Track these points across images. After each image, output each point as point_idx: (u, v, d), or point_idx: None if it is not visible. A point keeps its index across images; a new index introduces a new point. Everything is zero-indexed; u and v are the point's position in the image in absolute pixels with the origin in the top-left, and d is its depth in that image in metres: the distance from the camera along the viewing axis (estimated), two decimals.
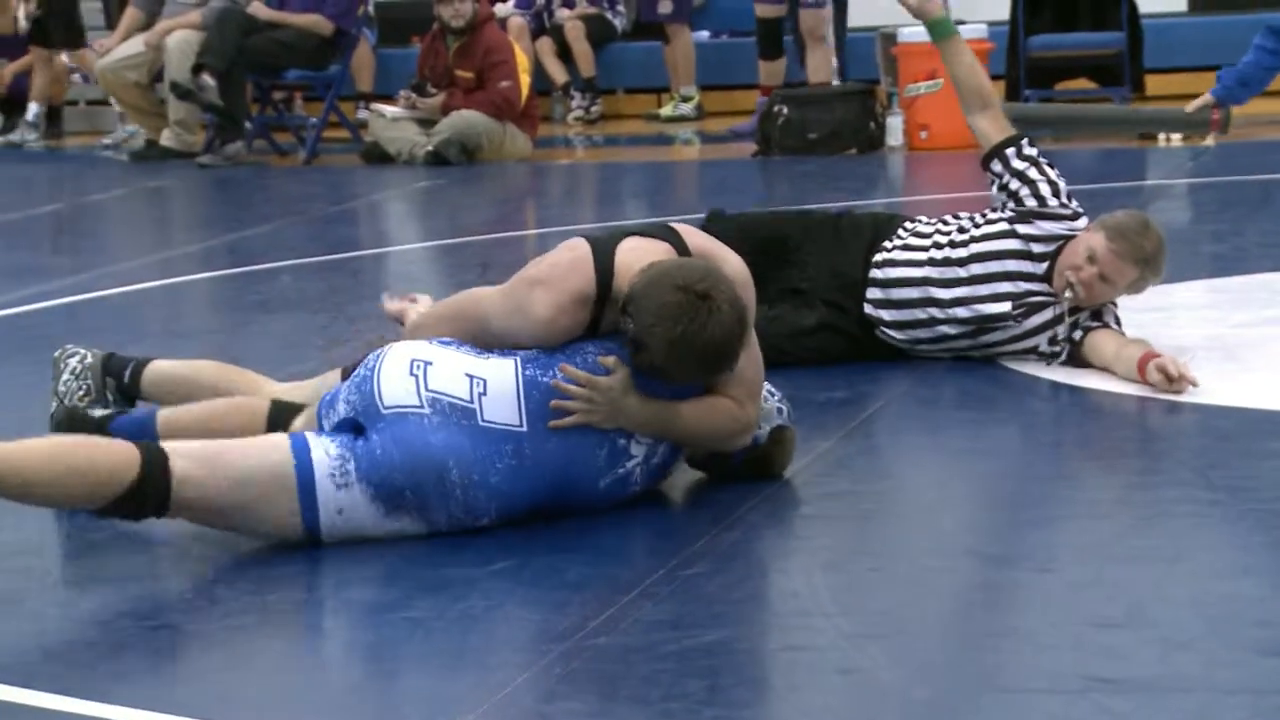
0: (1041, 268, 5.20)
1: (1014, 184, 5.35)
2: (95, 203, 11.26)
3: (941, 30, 5.67)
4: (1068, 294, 5.12)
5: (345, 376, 4.17)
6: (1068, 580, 3.65)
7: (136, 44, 12.76)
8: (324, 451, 3.88)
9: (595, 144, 13.25)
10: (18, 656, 3.40)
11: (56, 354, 4.65)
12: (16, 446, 3.71)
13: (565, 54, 14.04)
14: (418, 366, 3.96)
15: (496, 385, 3.95)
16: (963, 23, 11.51)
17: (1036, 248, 5.23)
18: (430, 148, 11.56)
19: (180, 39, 12.29)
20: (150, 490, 3.74)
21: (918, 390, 5.23)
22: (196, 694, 3.26)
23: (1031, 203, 5.32)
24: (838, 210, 5.75)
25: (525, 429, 3.94)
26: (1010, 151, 5.41)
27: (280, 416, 4.23)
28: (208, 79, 11.91)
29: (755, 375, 4.15)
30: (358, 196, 10.88)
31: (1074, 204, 5.35)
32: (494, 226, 9.43)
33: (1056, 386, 5.14)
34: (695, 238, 4.19)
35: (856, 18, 12.42)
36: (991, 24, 11.75)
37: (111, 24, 14.26)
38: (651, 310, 3.87)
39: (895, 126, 11.41)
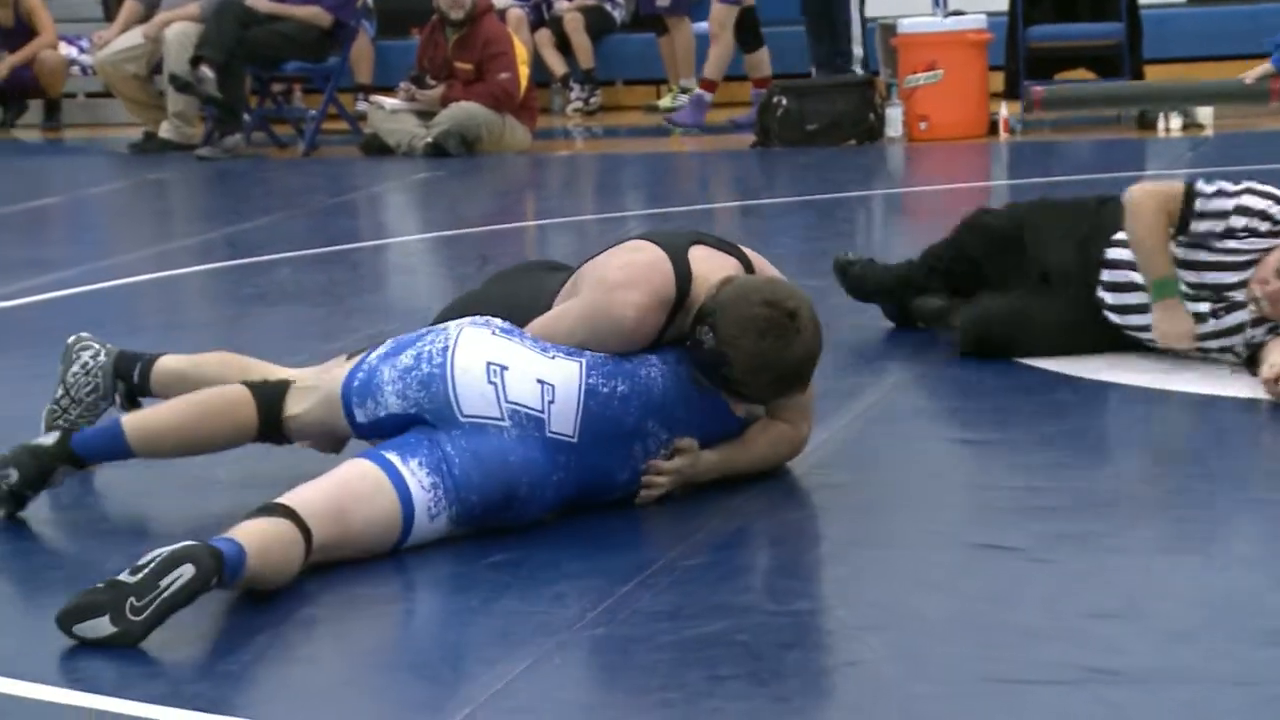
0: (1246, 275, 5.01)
1: (1235, 221, 5.02)
2: (94, 195, 11.26)
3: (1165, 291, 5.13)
4: (1252, 306, 4.96)
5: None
6: (1067, 571, 3.65)
7: (135, 36, 12.75)
8: (419, 485, 3.80)
9: (594, 135, 13.24)
10: (18, 652, 3.40)
11: (71, 341, 4.56)
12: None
13: (564, 46, 14.02)
14: (495, 373, 3.89)
15: (562, 393, 3.92)
16: (962, 13, 11.55)
17: (1237, 259, 5.03)
18: (429, 139, 11.55)
19: (179, 31, 12.28)
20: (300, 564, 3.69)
21: (917, 381, 5.23)
22: (191, 688, 3.26)
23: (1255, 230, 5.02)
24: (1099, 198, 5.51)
25: (576, 440, 3.93)
26: (1198, 206, 5.03)
27: (271, 405, 4.09)
28: (206, 71, 11.90)
29: (809, 394, 4.22)
30: (357, 188, 10.87)
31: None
32: (493, 218, 9.42)
33: (1056, 378, 5.14)
34: (760, 260, 4.20)
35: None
36: (991, 14, 11.75)
37: (110, 16, 14.25)
38: (738, 323, 3.89)
39: (895, 117, 11.41)
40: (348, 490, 3.76)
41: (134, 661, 3.35)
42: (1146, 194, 5.12)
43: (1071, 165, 10.21)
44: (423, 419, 3.88)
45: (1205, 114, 11.20)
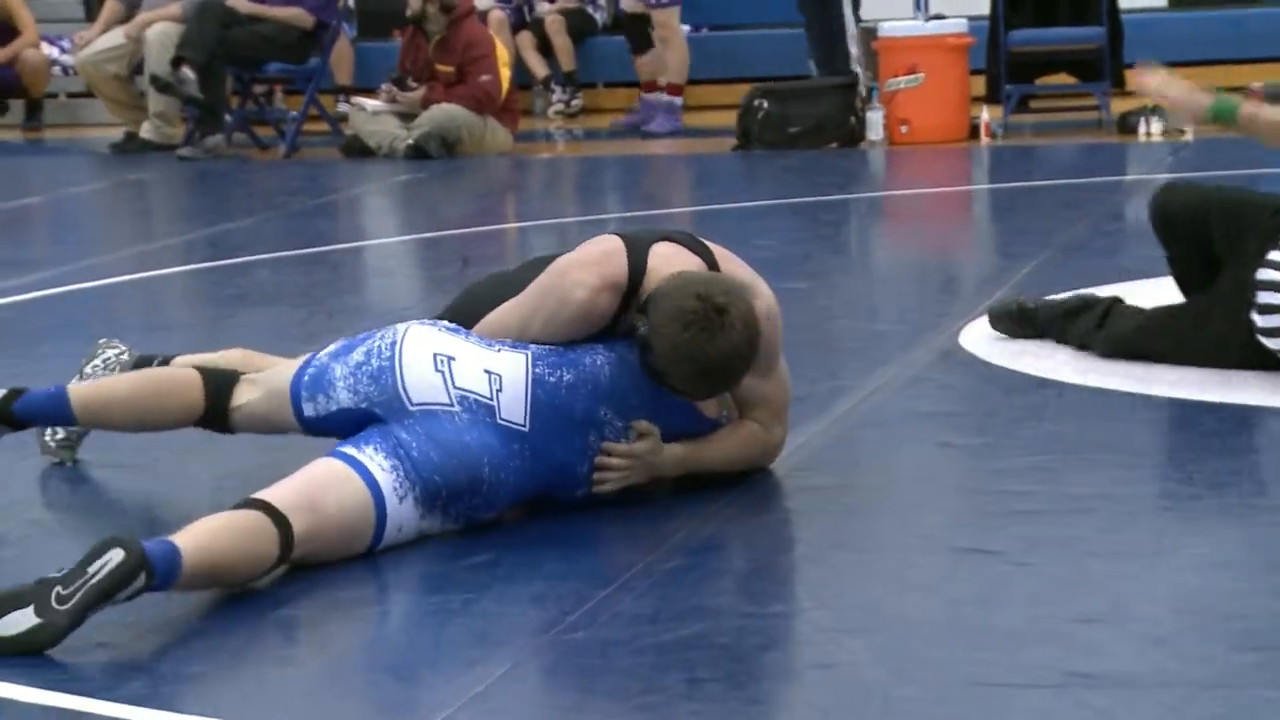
0: None
1: None
2: (75, 195, 11.23)
3: (1226, 114, 5.01)
4: None
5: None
6: (1048, 575, 3.64)
7: (116, 36, 12.73)
8: (379, 467, 3.81)
9: (575, 138, 13.24)
10: (20, 656, 3.37)
11: (102, 341, 4.66)
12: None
13: (546, 48, 14.02)
14: (441, 362, 3.93)
15: (510, 383, 3.95)
16: (942, 17, 11.56)
17: None
18: (410, 141, 11.54)
19: (160, 31, 12.26)
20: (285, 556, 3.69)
21: (898, 384, 5.23)
22: (174, 690, 3.25)
23: None
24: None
25: (528, 429, 3.94)
26: None
27: (221, 391, 4.12)
28: (187, 72, 11.88)
29: (782, 397, 4.23)
30: (338, 190, 10.86)
31: None
32: (474, 220, 9.41)
33: (1039, 382, 5.13)
34: (728, 262, 4.18)
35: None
36: (972, 18, 11.75)
37: (91, 16, 14.22)
38: (665, 311, 3.89)
39: (876, 121, 11.41)
40: (315, 480, 3.77)
41: (111, 662, 3.34)
42: None
43: (1052, 169, 10.23)
44: (373, 414, 3.91)
45: None
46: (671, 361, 3.92)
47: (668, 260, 4.06)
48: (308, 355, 4.13)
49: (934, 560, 3.79)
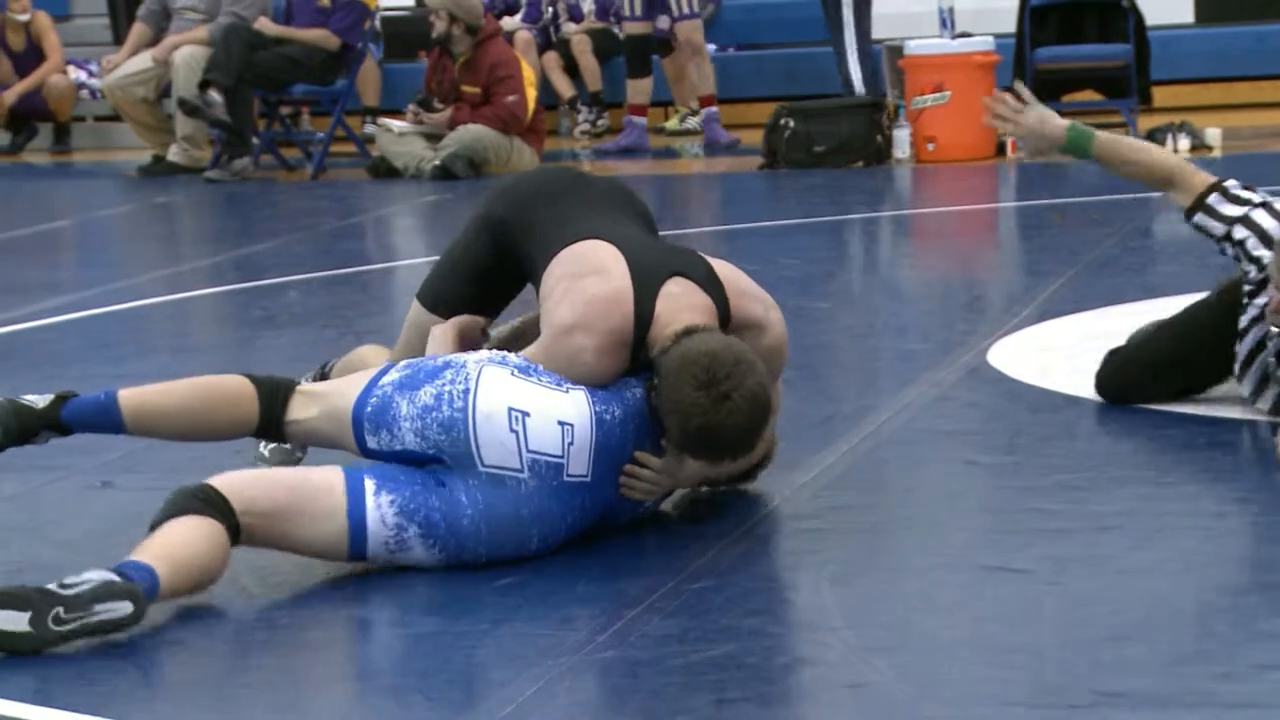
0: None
1: (1236, 232, 4.74)
2: (103, 218, 11.27)
3: (1079, 146, 4.88)
4: (1273, 327, 4.68)
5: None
6: (1076, 594, 3.64)
7: (144, 60, 12.77)
8: (380, 519, 3.80)
9: (601, 157, 13.25)
10: (27, 671, 3.40)
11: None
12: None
13: (572, 68, 14.03)
14: (516, 420, 3.85)
15: (580, 432, 3.91)
16: (969, 35, 11.56)
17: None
18: (437, 162, 11.56)
19: (187, 55, 12.30)
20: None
21: (925, 403, 5.22)
22: (202, 709, 3.26)
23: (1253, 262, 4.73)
24: None
25: (590, 479, 3.93)
26: (1213, 199, 4.78)
27: (271, 404, 4.04)
28: (215, 94, 11.92)
29: (777, 403, 4.21)
30: (364, 211, 10.88)
31: None
32: None
33: (1066, 400, 5.13)
34: (741, 297, 4.12)
35: None
36: (998, 36, 11.75)
37: (119, 40, 14.28)
38: (671, 400, 3.86)
39: (902, 139, 11.41)
40: (295, 498, 3.79)
41: (137, 680, 3.35)
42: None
43: (1079, 187, 10.21)
44: (440, 460, 3.86)
45: (1213, 135, 11.19)
46: (685, 447, 3.93)
47: (676, 308, 4.00)
48: (372, 374, 4.03)
49: (961, 579, 3.79)
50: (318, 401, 4.04)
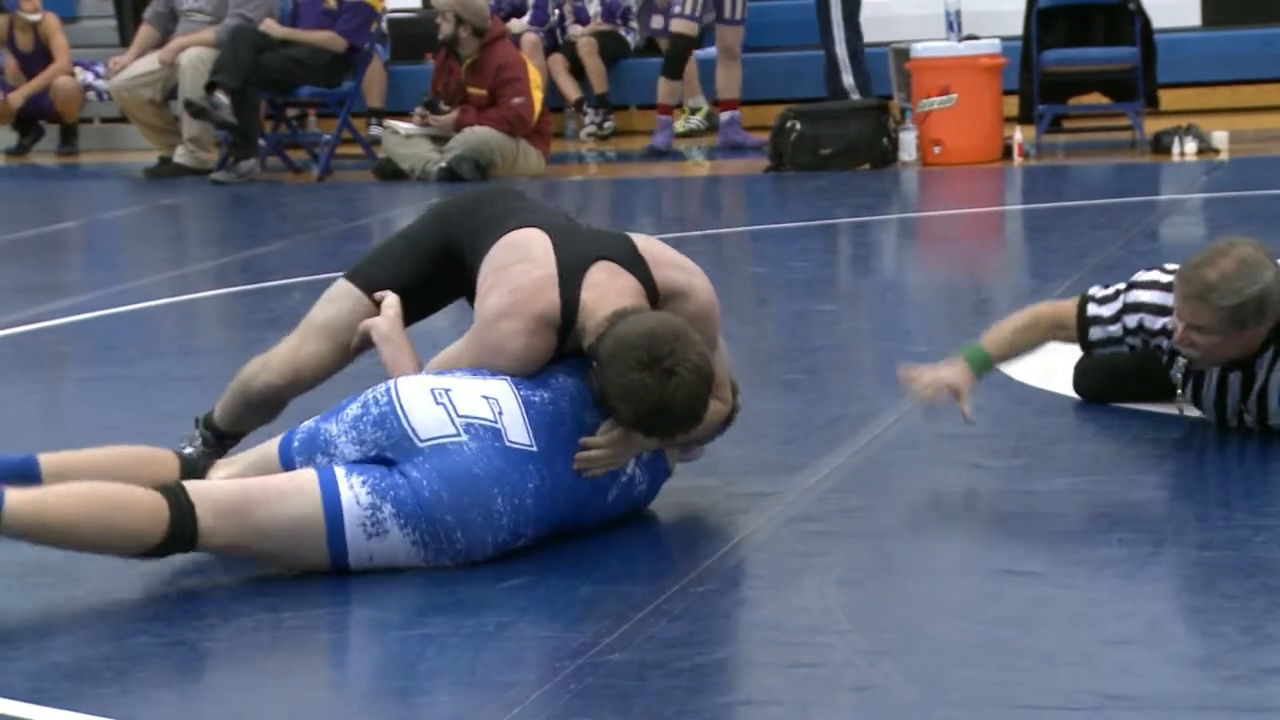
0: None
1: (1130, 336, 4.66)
2: (109, 220, 11.28)
3: (981, 363, 4.66)
4: (1182, 358, 4.64)
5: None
6: (1083, 597, 3.64)
7: (151, 61, 12.79)
8: (354, 499, 3.83)
9: (608, 160, 13.25)
10: (34, 673, 3.40)
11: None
12: (54, 495, 3.69)
13: (578, 70, 14.04)
14: (440, 394, 3.94)
15: (507, 405, 3.98)
16: (975, 37, 11.56)
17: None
18: (443, 164, 11.56)
19: (194, 56, 12.31)
20: (176, 545, 3.75)
21: (935, 406, 5.21)
22: (210, 711, 3.26)
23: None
24: None
25: (536, 449, 3.96)
26: (1090, 313, 4.66)
27: (192, 467, 4.09)
28: (221, 96, 11.92)
29: (724, 373, 4.27)
30: (371, 213, 10.89)
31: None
32: None
33: (1073, 403, 5.13)
34: (662, 268, 4.17)
35: (870, 33, 12.43)
36: (1005, 39, 11.75)
37: (125, 41, 14.29)
38: (617, 385, 3.91)
39: (909, 142, 11.41)
40: (263, 488, 3.82)
41: (146, 682, 3.35)
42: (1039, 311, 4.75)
43: (1085, 190, 10.22)
44: (384, 458, 3.91)
45: (1220, 138, 11.19)
46: (638, 426, 3.97)
47: (602, 294, 4.06)
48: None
49: (968, 582, 3.79)
50: (237, 463, 4.11)
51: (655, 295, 4.13)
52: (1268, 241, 7.29)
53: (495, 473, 3.89)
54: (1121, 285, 4.69)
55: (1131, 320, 4.63)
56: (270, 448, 4.05)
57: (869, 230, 9.33)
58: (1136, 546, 3.95)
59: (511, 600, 3.72)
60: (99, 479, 3.81)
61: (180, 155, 12.66)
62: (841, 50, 12.20)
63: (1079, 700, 3.09)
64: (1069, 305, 4.71)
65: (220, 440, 4.51)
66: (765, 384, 5.59)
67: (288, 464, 3.98)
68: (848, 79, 12.15)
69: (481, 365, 4.08)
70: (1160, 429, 4.87)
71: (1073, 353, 5.21)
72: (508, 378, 4.04)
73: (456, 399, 3.94)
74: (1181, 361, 4.66)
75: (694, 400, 3.96)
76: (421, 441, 3.89)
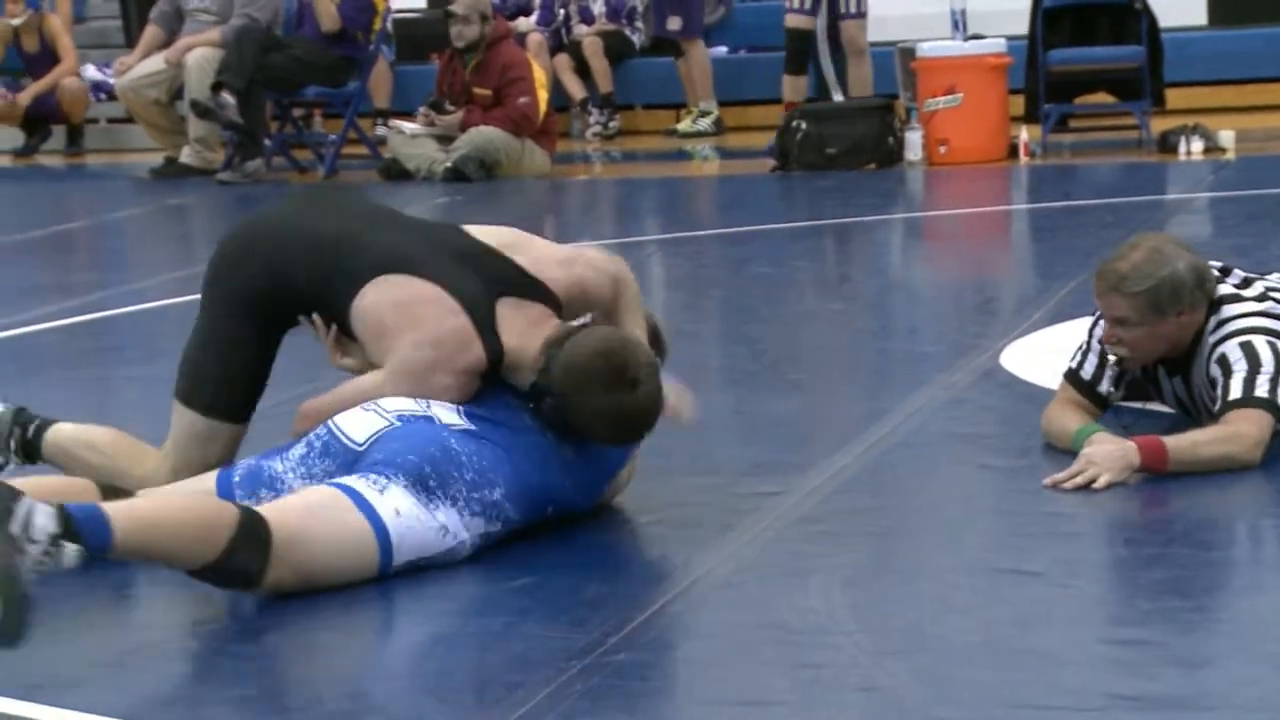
0: None
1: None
2: (115, 220, 11.29)
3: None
4: (1111, 356, 4.65)
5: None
6: (1090, 597, 3.64)
7: (156, 62, 12.80)
8: (392, 510, 3.83)
9: (613, 159, 13.25)
10: (43, 673, 3.40)
11: None
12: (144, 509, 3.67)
13: (583, 70, 14.05)
14: (368, 405, 4.00)
15: (436, 407, 4.01)
16: (981, 36, 11.56)
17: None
18: (449, 164, 11.57)
19: (200, 57, 12.32)
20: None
21: (938, 405, 5.22)
22: (211, 711, 3.26)
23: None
24: None
25: (476, 431, 3.99)
26: (1081, 376, 4.70)
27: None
28: (227, 96, 11.94)
29: (665, 338, 4.40)
30: None
31: None
32: None
33: None
34: (547, 270, 4.17)
35: (875, 33, 12.42)
36: (1010, 38, 11.75)
37: (131, 42, 14.30)
38: (589, 410, 3.97)
39: (914, 141, 11.40)
40: (314, 520, 3.78)
41: (146, 680, 3.35)
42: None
43: (1092, 189, 10.21)
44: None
45: (1227, 137, 11.18)
46: (615, 443, 4.07)
47: (518, 331, 4.09)
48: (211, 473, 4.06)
49: (975, 582, 3.78)
50: (162, 492, 4.04)
51: (558, 304, 4.17)
52: (1276, 238, 7.27)
53: (438, 428, 3.94)
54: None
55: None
56: (206, 481, 4.03)
57: (875, 230, 9.33)
58: (1143, 547, 3.95)
59: (516, 600, 3.72)
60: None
61: (186, 155, 12.67)
62: (827, 65, 12.13)
63: (1086, 700, 3.09)
64: (1064, 392, 4.69)
65: (29, 460, 4.35)
66: (771, 383, 5.60)
67: (226, 498, 3.94)
68: (837, 97, 12.09)
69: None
70: (1166, 431, 4.86)
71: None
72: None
73: (383, 403, 4.00)
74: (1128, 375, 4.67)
75: (659, 394, 4.05)
76: (360, 446, 3.93)
